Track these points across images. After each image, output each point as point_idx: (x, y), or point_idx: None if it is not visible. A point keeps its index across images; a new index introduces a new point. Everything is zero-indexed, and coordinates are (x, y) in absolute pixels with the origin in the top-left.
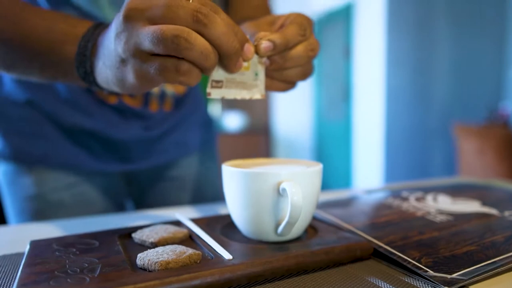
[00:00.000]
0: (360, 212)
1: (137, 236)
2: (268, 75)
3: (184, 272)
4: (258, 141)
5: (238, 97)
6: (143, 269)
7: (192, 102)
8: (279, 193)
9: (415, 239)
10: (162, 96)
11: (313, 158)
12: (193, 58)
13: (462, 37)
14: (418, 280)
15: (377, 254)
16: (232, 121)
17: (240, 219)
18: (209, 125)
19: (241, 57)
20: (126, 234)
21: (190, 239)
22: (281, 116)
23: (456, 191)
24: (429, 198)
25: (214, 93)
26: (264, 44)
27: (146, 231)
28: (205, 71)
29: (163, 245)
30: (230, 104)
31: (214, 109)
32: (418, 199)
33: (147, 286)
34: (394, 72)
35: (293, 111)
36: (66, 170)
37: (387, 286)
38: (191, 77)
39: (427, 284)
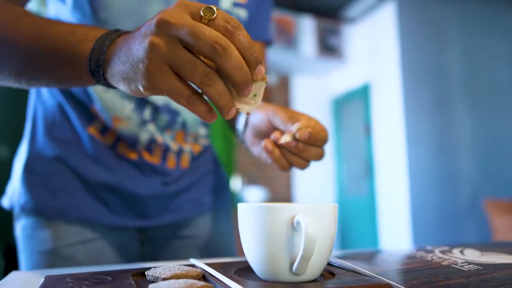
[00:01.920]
0: (381, 261)
1: (150, 273)
2: (289, 153)
3: None
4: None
5: None
6: None
7: (209, 162)
8: (294, 227)
9: (440, 284)
10: (179, 152)
11: (337, 234)
12: (211, 95)
13: (482, 112)
14: None
15: None
16: (253, 196)
17: (254, 258)
18: (224, 186)
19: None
20: (139, 272)
21: (203, 279)
22: (302, 191)
23: (485, 246)
24: (456, 251)
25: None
26: (305, 132)
27: (159, 269)
28: (240, 87)
29: None
30: (251, 179)
31: (235, 183)
32: (443, 252)
33: None
34: (415, 149)
35: (315, 186)
36: (83, 225)
37: None
38: (198, 109)
39: None
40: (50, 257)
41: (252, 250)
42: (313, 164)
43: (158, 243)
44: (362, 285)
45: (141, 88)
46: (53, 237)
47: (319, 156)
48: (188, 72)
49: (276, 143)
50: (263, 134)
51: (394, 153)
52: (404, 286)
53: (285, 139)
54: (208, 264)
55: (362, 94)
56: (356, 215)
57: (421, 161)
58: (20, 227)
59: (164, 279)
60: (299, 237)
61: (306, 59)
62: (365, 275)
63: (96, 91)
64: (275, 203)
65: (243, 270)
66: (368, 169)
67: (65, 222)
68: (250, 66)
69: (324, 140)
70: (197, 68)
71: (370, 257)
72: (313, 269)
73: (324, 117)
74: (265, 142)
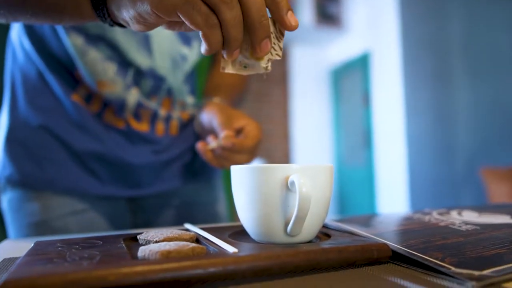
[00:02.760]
0: (378, 223)
1: (142, 237)
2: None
3: (185, 260)
4: None
5: (245, 73)
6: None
7: None
8: (288, 188)
9: (438, 243)
10: (168, 118)
11: (335, 204)
12: (226, 17)
13: (481, 82)
14: (442, 279)
15: (396, 258)
16: None
17: (248, 220)
18: None
19: (268, 38)
20: (132, 237)
21: (196, 242)
22: (300, 162)
23: (483, 208)
24: (453, 213)
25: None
26: (228, 142)
27: (151, 232)
28: (227, 42)
29: None
30: None
31: None
32: (441, 214)
33: (144, 271)
34: (414, 119)
35: (313, 157)
36: (73, 195)
37: (409, 285)
38: (213, 35)
39: (453, 282)
40: (40, 229)
41: (246, 212)
42: (312, 135)
43: (150, 213)
44: (358, 245)
45: (149, 8)
46: (42, 209)
47: (245, 162)
48: None
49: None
50: (207, 132)
51: (392, 124)
52: (401, 246)
53: (212, 145)
54: (202, 228)
55: (361, 64)
56: (354, 186)
57: (420, 131)
58: (7, 199)
59: (156, 242)
60: (294, 197)
61: (304, 28)
62: (361, 236)
63: (77, 52)
64: (269, 164)
65: (237, 234)
66: (366, 139)
67: (54, 194)
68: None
69: (250, 149)
70: None
71: (367, 220)
72: (308, 230)
73: (323, 88)
74: (198, 144)
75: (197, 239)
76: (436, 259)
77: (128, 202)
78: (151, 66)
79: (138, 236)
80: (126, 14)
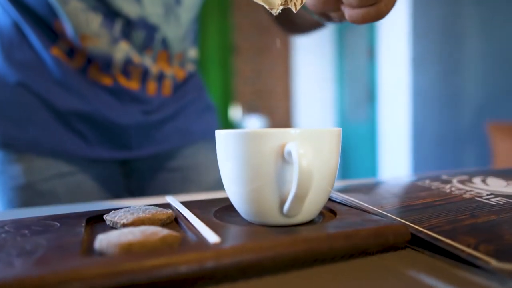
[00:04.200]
0: (390, 194)
1: (108, 217)
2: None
3: (149, 257)
4: None
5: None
6: (101, 253)
7: (193, 90)
8: (284, 158)
9: (466, 223)
10: (160, 77)
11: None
12: None
13: (492, 33)
14: (477, 274)
15: (416, 242)
16: (253, 124)
17: (237, 197)
18: (212, 113)
19: None
20: (97, 216)
21: (175, 222)
22: (303, 118)
23: (509, 175)
24: (477, 180)
25: None
26: None
27: (120, 212)
28: None
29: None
30: (251, 108)
31: (235, 113)
32: (462, 181)
33: (87, 276)
34: (421, 71)
35: (316, 113)
36: (59, 158)
37: (435, 282)
38: None
39: (491, 280)
40: (25, 193)
41: (234, 187)
42: (314, 90)
43: (144, 176)
44: (371, 228)
45: None
46: (25, 171)
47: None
48: None
49: None
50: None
51: (397, 77)
52: (422, 227)
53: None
54: (185, 203)
55: None
56: (356, 142)
57: (426, 84)
58: None
59: (124, 225)
60: (291, 170)
61: None
62: (373, 214)
63: (59, 1)
64: (262, 128)
65: (226, 210)
66: (370, 94)
67: (37, 155)
68: None
69: None
70: None
71: (377, 190)
72: (309, 209)
73: (326, 41)
74: None
75: (176, 219)
76: (468, 246)
77: (120, 165)
78: (141, 14)
79: (104, 216)
80: None
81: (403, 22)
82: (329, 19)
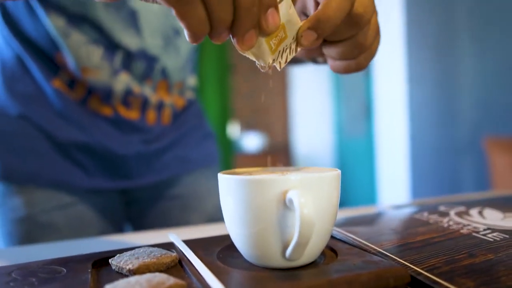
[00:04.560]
0: (389, 230)
1: (114, 262)
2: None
3: None
4: (278, 160)
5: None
6: None
7: (193, 118)
8: (286, 205)
9: (464, 263)
10: (160, 106)
11: None
12: None
13: (488, 47)
14: None
15: (415, 284)
16: (251, 142)
17: (240, 240)
18: (211, 141)
19: (255, 29)
20: (103, 259)
21: (179, 265)
22: (300, 134)
23: (505, 205)
24: (474, 212)
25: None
26: (304, 36)
27: (126, 255)
28: (211, 23)
29: (143, 273)
30: (248, 125)
31: (233, 130)
32: (460, 214)
33: None
34: (417, 86)
35: (313, 128)
36: (59, 189)
37: None
38: (189, 15)
39: None
40: (25, 225)
41: (236, 231)
42: (312, 106)
43: (144, 204)
44: (371, 271)
45: None
46: (26, 204)
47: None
48: None
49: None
50: None
51: (394, 92)
52: (421, 268)
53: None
54: (188, 242)
55: None
56: (354, 157)
57: (422, 99)
58: None
59: (130, 270)
60: (293, 216)
61: None
62: (373, 253)
63: (60, 35)
64: (262, 175)
65: (228, 250)
66: (367, 109)
67: (38, 187)
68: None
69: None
70: None
71: (376, 224)
72: (311, 252)
73: None
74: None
75: (180, 261)
76: None
77: (120, 194)
78: (141, 46)
79: (110, 261)
80: None
81: (398, 38)
82: (316, 61)
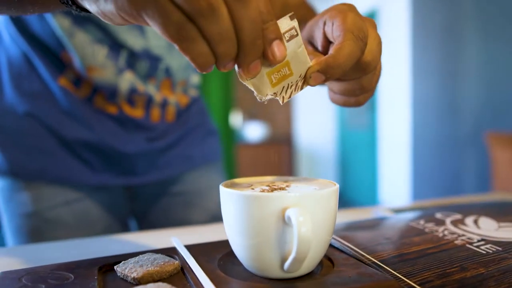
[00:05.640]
0: (385, 239)
1: (119, 269)
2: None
3: None
4: (280, 151)
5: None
6: None
7: (196, 116)
8: (285, 221)
9: (456, 278)
10: (164, 104)
11: (336, 168)
12: (208, 32)
13: (492, 41)
14: None
15: None
16: (253, 131)
17: (239, 251)
18: (214, 138)
19: (260, 59)
20: (108, 265)
21: (181, 273)
22: (303, 125)
23: (501, 213)
24: (469, 221)
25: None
26: (313, 77)
27: (130, 262)
28: (216, 58)
29: (147, 281)
30: (251, 115)
31: (235, 119)
32: (455, 223)
33: None
34: (421, 80)
35: (316, 120)
36: (65, 185)
37: None
38: (192, 50)
39: None
40: (32, 220)
41: (236, 242)
42: (314, 98)
43: (148, 201)
44: (367, 283)
45: (113, 9)
46: (33, 199)
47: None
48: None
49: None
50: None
51: (398, 85)
52: (414, 282)
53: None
54: (190, 247)
55: None
56: (356, 148)
57: (426, 92)
58: None
59: (134, 278)
60: (291, 232)
61: None
62: (368, 265)
63: (65, 34)
64: (262, 193)
65: (229, 257)
66: (370, 101)
67: (45, 183)
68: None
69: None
70: (168, 15)
71: (373, 231)
72: (309, 263)
73: None
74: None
75: (182, 269)
76: None
77: (124, 190)
78: (145, 46)
79: (115, 268)
80: (90, 8)
81: (403, 30)
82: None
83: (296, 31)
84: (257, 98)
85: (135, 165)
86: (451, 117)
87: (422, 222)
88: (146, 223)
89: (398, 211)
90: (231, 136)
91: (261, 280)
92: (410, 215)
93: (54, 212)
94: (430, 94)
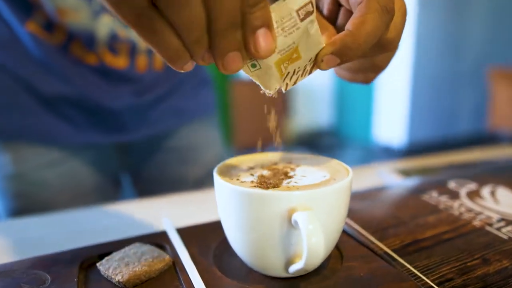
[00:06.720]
0: (396, 219)
1: (102, 268)
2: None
3: None
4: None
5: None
6: None
7: None
8: (291, 223)
9: (478, 273)
10: (151, 51)
11: (333, 104)
12: (174, 19)
13: None
14: None
15: None
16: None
17: (239, 247)
18: (209, 88)
19: (238, 51)
20: (91, 258)
21: (172, 268)
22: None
23: None
24: (486, 193)
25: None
26: (326, 61)
27: (114, 260)
28: (189, 50)
29: (134, 283)
30: None
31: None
32: (471, 195)
33: None
34: (425, 12)
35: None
36: (48, 145)
37: None
38: (158, 42)
39: None
40: (16, 183)
41: (235, 237)
42: None
43: (141, 157)
44: (380, 284)
45: None
46: (14, 161)
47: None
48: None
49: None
50: None
51: None
52: (431, 280)
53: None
54: (183, 231)
55: None
56: (353, 84)
57: (429, 26)
58: None
59: (119, 282)
60: (298, 235)
61: None
62: (381, 256)
63: None
64: (266, 191)
65: (224, 250)
66: None
67: (25, 144)
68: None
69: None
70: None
71: (380, 207)
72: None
73: None
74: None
75: (174, 263)
76: None
77: (115, 148)
78: None
79: (98, 266)
80: None
81: None
82: None
83: (313, 6)
84: (265, 93)
85: (123, 121)
86: (453, 53)
87: (435, 194)
88: (140, 179)
89: (405, 172)
90: (226, 110)
91: (261, 280)
92: (420, 182)
93: (38, 174)
94: (435, 28)
